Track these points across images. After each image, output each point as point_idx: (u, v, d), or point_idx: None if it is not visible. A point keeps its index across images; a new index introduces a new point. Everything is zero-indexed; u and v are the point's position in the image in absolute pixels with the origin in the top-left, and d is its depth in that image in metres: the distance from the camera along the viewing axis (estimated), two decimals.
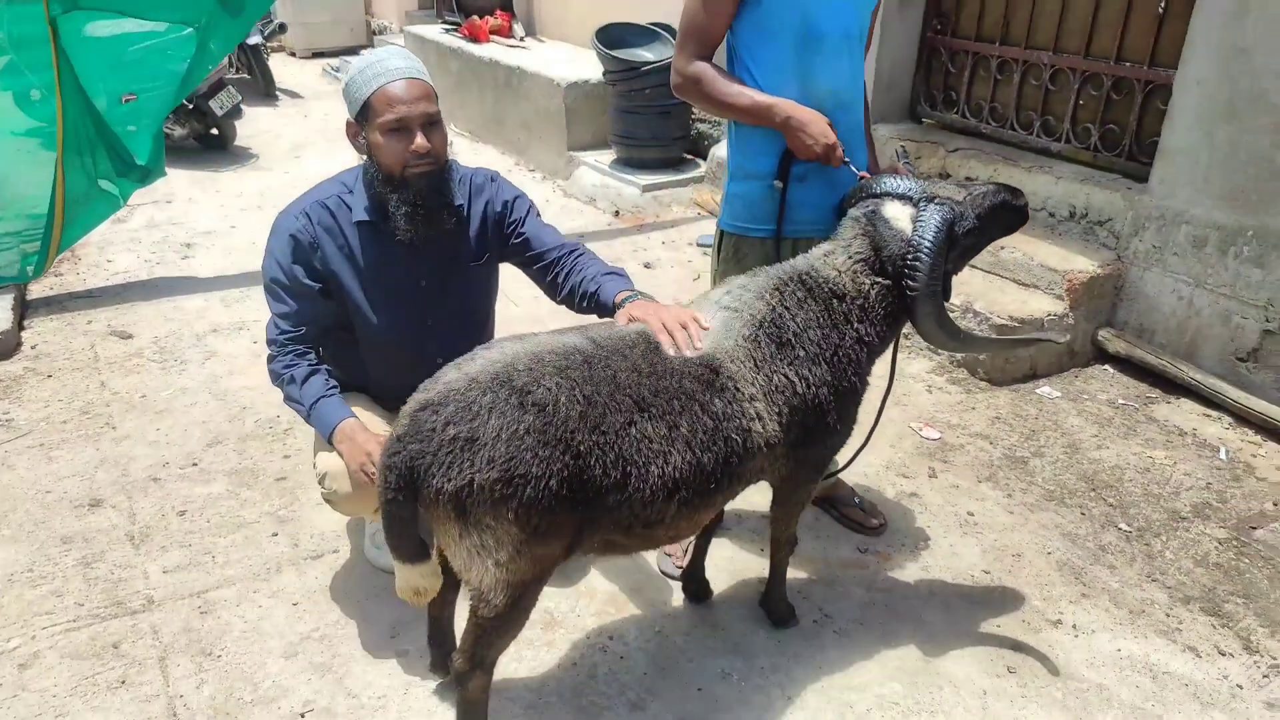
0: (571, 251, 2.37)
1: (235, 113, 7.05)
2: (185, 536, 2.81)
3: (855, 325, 2.09)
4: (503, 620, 1.86)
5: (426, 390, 1.79)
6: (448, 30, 8.35)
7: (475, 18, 7.96)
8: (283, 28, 10.03)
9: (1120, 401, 3.70)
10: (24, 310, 4.27)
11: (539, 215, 2.47)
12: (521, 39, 7.92)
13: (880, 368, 2.49)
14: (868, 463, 3.07)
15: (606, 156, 6.41)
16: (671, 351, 1.93)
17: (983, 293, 3.95)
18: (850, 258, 2.11)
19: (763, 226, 2.44)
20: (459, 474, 1.67)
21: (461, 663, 1.94)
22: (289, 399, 2.26)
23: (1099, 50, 4.10)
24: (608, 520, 1.85)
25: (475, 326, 2.51)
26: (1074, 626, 2.53)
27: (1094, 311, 3.93)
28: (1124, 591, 2.66)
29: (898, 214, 2.08)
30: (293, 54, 11.40)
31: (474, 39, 7.82)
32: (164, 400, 3.58)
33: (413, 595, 1.88)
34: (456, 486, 1.68)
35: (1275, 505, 3.06)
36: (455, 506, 1.70)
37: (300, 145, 7.54)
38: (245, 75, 9.23)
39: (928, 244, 2.01)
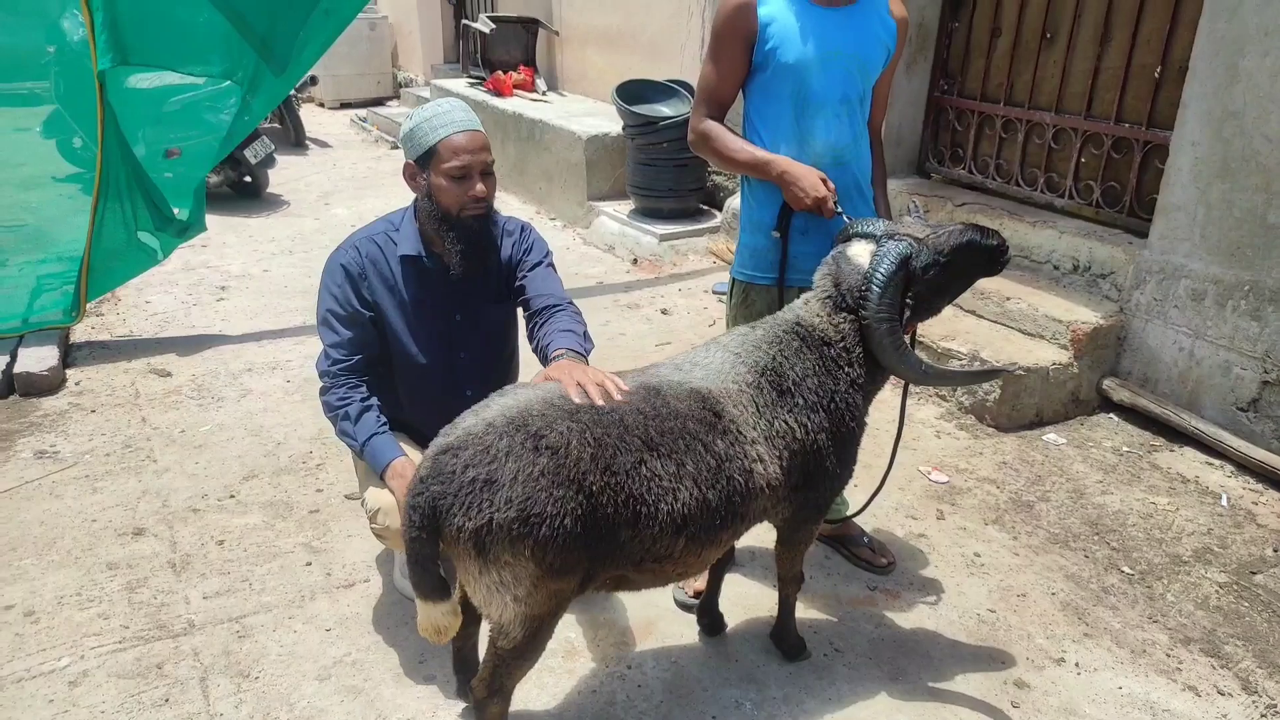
0: (552, 307, 2.45)
1: (268, 161, 7.32)
2: (224, 564, 2.94)
3: (846, 369, 2.19)
4: (520, 651, 1.95)
5: (446, 435, 1.88)
6: (472, 84, 8.64)
7: (499, 72, 8.24)
8: (313, 80, 10.40)
9: (1124, 449, 3.80)
10: (68, 349, 4.45)
11: (549, 268, 2.57)
12: (544, 93, 8.20)
13: (891, 414, 2.63)
14: (878, 504, 3.16)
15: (625, 207, 6.59)
16: (578, 399, 1.92)
17: (989, 341, 4.09)
18: (819, 298, 2.25)
19: (767, 275, 2.64)
20: (479, 514, 1.76)
21: (481, 690, 2.02)
22: (342, 433, 2.40)
23: (1099, 111, 4.28)
24: (620, 556, 1.94)
25: (502, 361, 2.68)
26: (1077, 665, 2.61)
27: (1098, 361, 4.05)
28: (1126, 632, 2.74)
29: (859, 251, 2.21)
30: (322, 105, 11.78)
31: (498, 93, 8.10)
32: (202, 435, 3.74)
33: (434, 634, 1.94)
34: (476, 525, 1.76)
35: (1275, 551, 3.14)
36: (475, 544, 1.78)
37: (329, 193, 7.80)
38: (277, 125, 9.55)
39: (880, 274, 2.12)
